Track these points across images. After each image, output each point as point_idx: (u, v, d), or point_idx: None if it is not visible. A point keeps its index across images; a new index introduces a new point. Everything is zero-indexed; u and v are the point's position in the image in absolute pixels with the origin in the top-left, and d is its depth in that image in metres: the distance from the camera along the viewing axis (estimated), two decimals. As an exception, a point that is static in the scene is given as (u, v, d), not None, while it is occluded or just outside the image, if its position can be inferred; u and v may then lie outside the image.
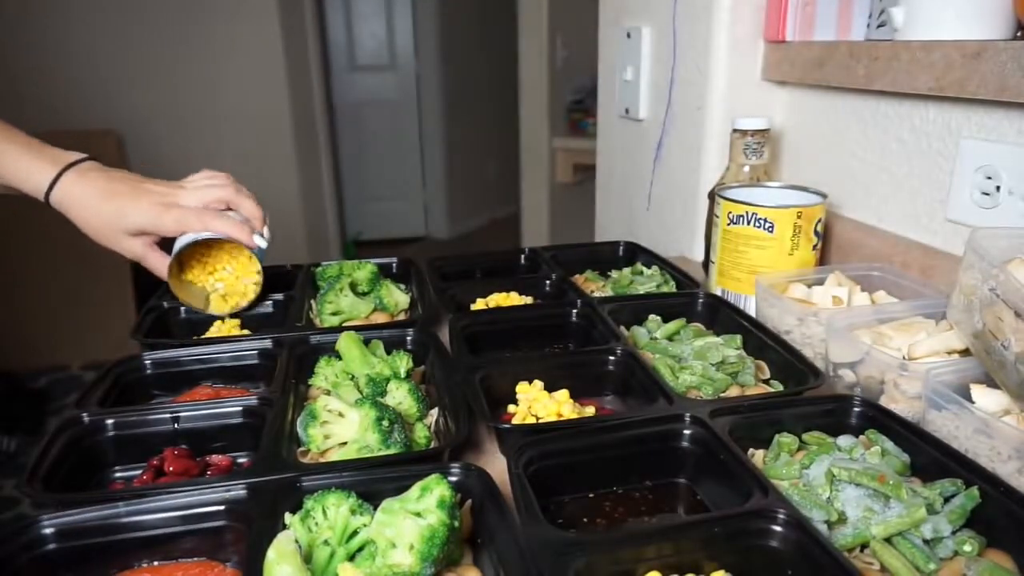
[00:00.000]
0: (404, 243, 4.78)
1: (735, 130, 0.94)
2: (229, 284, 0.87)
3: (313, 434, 0.59)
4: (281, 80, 3.26)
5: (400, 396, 0.64)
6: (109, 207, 0.77)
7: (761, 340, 0.74)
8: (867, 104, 0.93)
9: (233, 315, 0.87)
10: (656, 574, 0.44)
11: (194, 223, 0.79)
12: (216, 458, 0.62)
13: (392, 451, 0.57)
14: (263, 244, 0.86)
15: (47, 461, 0.56)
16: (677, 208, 1.21)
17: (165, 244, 0.83)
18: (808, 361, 0.68)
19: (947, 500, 0.50)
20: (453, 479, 0.50)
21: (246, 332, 0.83)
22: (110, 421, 0.61)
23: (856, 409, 0.60)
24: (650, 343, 0.77)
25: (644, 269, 0.99)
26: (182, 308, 0.86)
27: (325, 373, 0.68)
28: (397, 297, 0.89)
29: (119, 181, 0.79)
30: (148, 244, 0.81)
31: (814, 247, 0.84)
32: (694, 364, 0.71)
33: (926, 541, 0.47)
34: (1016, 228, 0.69)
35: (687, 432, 0.58)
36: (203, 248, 0.85)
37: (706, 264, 0.97)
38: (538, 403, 0.65)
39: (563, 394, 0.66)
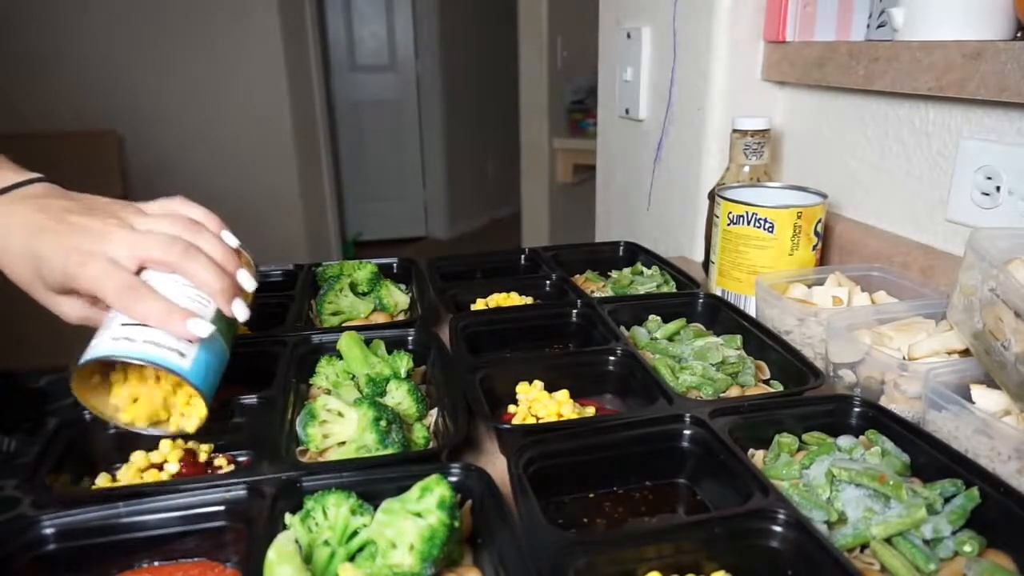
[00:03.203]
0: (404, 243, 4.78)
1: (735, 130, 0.94)
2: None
3: (312, 433, 0.59)
4: (281, 80, 3.26)
5: (400, 396, 0.64)
6: (24, 248, 0.54)
7: (761, 340, 0.74)
8: (867, 104, 0.93)
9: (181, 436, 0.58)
10: (656, 574, 0.44)
11: (110, 291, 0.52)
12: (216, 458, 0.62)
13: (390, 451, 0.57)
14: (180, 363, 0.50)
15: (47, 461, 0.56)
16: (677, 208, 1.21)
17: None
18: (808, 361, 0.68)
19: (947, 500, 0.50)
20: (453, 479, 0.50)
21: (246, 331, 0.83)
22: (110, 421, 0.61)
23: (856, 409, 0.60)
24: (650, 343, 0.77)
25: (644, 269, 0.99)
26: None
27: (326, 373, 0.69)
28: (397, 297, 0.89)
29: (49, 212, 0.54)
30: (94, 309, 0.57)
31: (814, 247, 0.84)
32: (694, 364, 0.71)
33: (926, 541, 0.47)
34: (1016, 228, 0.69)
35: (687, 432, 0.58)
36: None
37: (706, 264, 0.97)
38: (538, 403, 0.65)
39: (563, 394, 0.66)
